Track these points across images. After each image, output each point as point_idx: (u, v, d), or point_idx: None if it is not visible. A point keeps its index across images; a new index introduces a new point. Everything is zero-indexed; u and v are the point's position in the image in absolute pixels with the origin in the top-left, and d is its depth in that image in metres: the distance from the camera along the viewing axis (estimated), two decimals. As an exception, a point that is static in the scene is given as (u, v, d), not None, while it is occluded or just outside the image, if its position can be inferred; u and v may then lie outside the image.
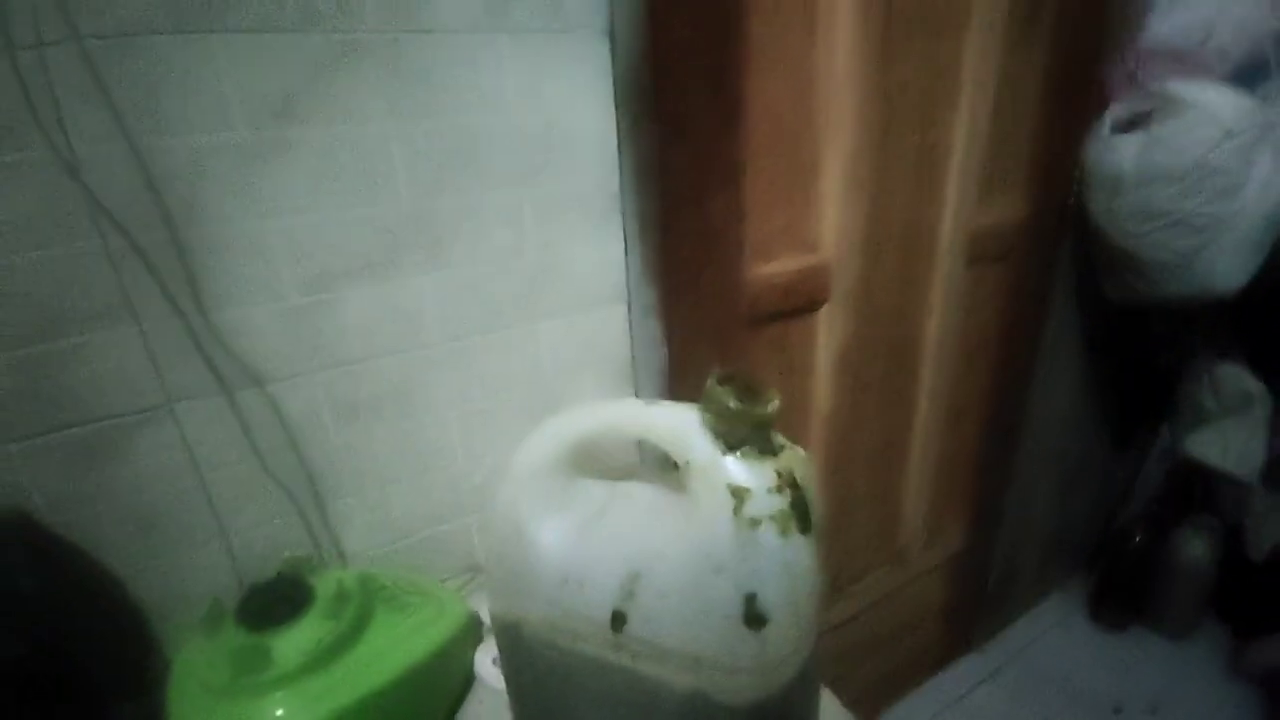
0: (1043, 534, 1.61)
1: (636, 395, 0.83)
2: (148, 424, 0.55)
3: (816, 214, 0.93)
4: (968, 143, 1.01)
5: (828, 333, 1.00)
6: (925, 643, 1.49)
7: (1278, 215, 1.02)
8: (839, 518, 1.16)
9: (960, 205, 1.04)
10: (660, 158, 0.73)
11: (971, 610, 1.54)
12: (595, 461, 0.45)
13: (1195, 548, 1.52)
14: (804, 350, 1.00)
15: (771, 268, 0.90)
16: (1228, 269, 1.02)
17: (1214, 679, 1.50)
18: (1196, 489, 1.53)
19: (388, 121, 0.58)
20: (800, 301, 0.95)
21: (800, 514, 0.35)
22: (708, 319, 0.85)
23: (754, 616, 0.34)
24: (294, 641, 0.51)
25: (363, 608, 0.54)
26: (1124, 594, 1.63)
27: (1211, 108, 0.96)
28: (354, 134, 0.57)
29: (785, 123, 0.85)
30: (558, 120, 0.67)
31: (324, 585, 0.54)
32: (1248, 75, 1.02)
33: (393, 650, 0.54)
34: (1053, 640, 1.64)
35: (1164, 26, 1.11)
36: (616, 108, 0.70)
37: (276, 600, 0.53)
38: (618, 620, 0.37)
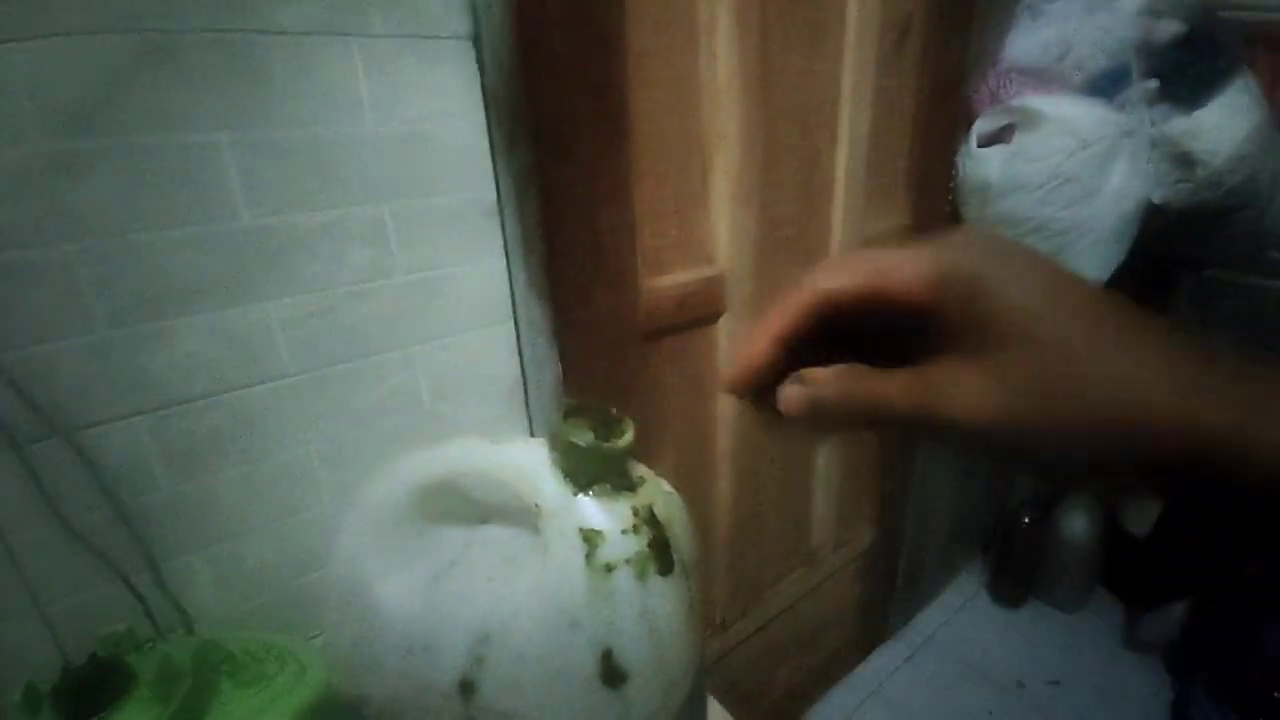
0: (945, 522, 1.68)
1: (529, 418, 0.79)
2: (-75, 488, 0.46)
3: (709, 225, 0.92)
4: (850, 156, 1.04)
5: (728, 343, 0.99)
6: (842, 639, 1.52)
7: (1134, 217, 1.11)
8: (750, 528, 1.16)
9: (849, 215, 1.07)
10: (541, 171, 0.70)
11: (883, 602, 1.59)
12: (460, 503, 0.41)
13: (1076, 524, 1.63)
14: (705, 362, 0.99)
15: (666, 280, 0.89)
16: (1087, 268, 1.10)
17: (1110, 650, 1.62)
18: (1074, 472, 1.65)
19: (217, 131, 0.52)
20: (698, 313, 0.95)
21: (660, 554, 0.32)
22: (602, 335, 0.82)
23: (612, 674, 0.31)
24: (113, 733, 0.44)
25: (199, 685, 0.47)
26: (1018, 572, 1.73)
27: (1067, 119, 1.03)
28: (175, 143, 0.50)
29: (672, 136, 0.84)
30: (423, 130, 0.62)
31: (145, 664, 0.47)
32: (1109, 84, 1.10)
33: (241, 728, 0.48)
34: (960, 622, 1.72)
35: (1024, 45, 1.18)
36: (488, 119, 0.66)
37: (91, 686, 0.46)
38: (466, 689, 0.33)
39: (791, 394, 0.23)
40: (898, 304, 0.22)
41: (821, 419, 0.23)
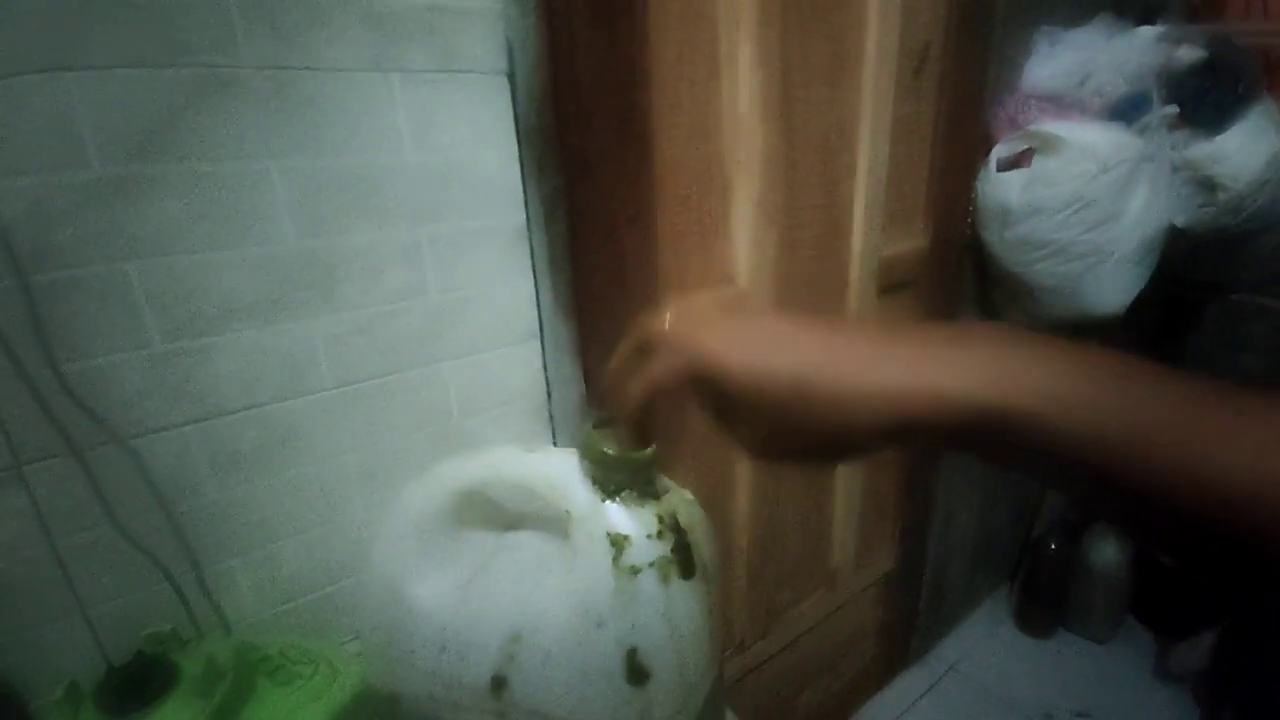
0: (968, 547, 1.66)
1: (554, 434, 0.81)
2: (-7, 490, 0.49)
3: (730, 248, 0.94)
4: (869, 181, 1.06)
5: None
6: (862, 664, 1.50)
7: (1156, 241, 1.11)
8: (770, 546, 1.16)
9: (867, 238, 1.09)
10: (568, 196, 0.73)
11: (905, 627, 1.57)
12: (490, 510, 0.43)
13: (1106, 552, 1.60)
14: (724, 381, 1.01)
15: (687, 300, 0.91)
16: (1109, 292, 1.10)
17: (1140, 681, 1.57)
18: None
19: (267, 159, 0.55)
20: (718, 333, 0.96)
21: (682, 559, 0.34)
22: (624, 353, 0.84)
23: (636, 672, 0.32)
24: (157, 728, 0.46)
25: (240, 683, 0.50)
26: (1046, 601, 1.69)
27: (1086, 144, 1.04)
28: (228, 171, 0.54)
29: (693, 161, 0.86)
30: (457, 159, 0.65)
31: (191, 662, 0.49)
32: (1129, 109, 1.11)
33: (276, 728, 0.49)
34: (984, 651, 1.68)
35: (1043, 71, 1.20)
36: (520, 147, 0.69)
37: (136, 683, 0.48)
38: (498, 686, 0.34)
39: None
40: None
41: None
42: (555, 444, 0.81)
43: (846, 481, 1.26)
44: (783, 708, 1.31)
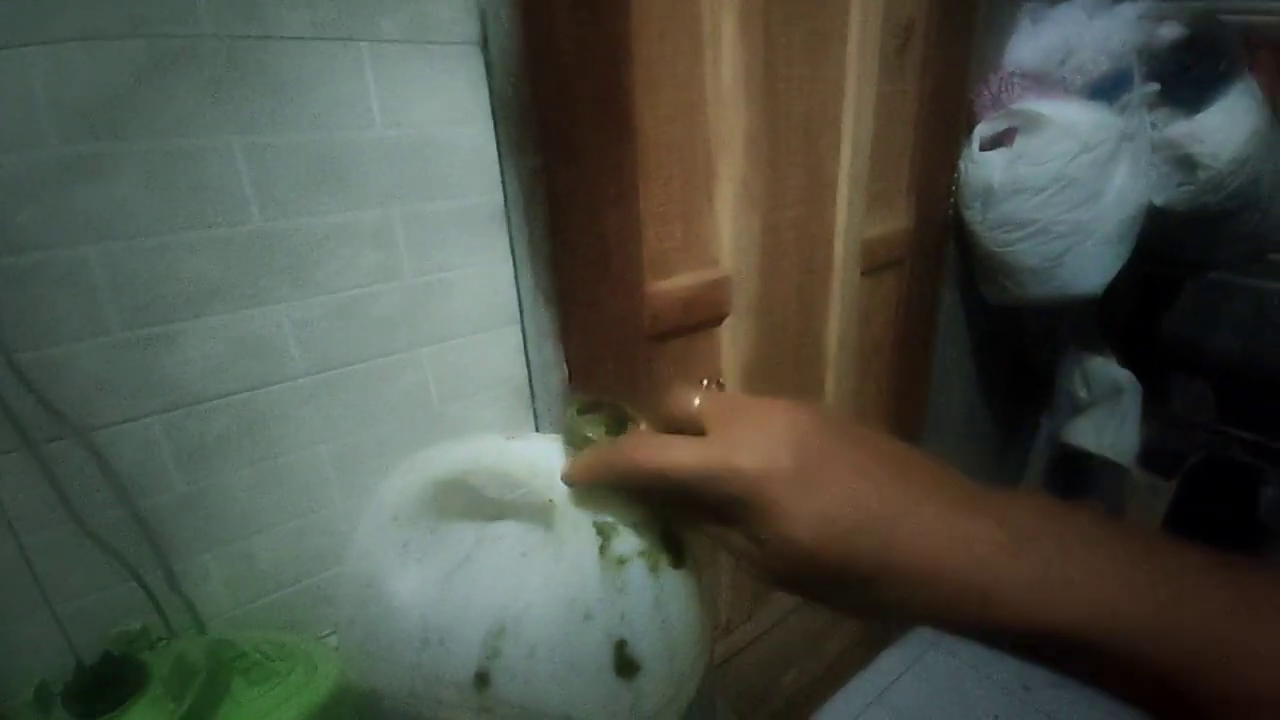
0: (949, 527, 1.68)
1: (535, 420, 0.79)
2: (-57, 488, 0.47)
3: (713, 229, 0.93)
4: (853, 161, 1.05)
5: (731, 346, 1.00)
6: (846, 643, 1.52)
7: (1136, 220, 1.11)
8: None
9: (851, 218, 1.08)
10: (548, 175, 0.71)
11: (888, 607, 1.58)
12: (473, 500, 0.41)
13: (1082, 530, 1.63)
14: (709, 364, 1.00)
15: (671, 283, 0.89)
16: (1090, 271, 1.11)
17: (1112, 653, 1.61)
18: (1075, 474, 1.65)
19: (230, 134, 0.53)
20: (702, 316, 0.95)
21: (671, 546, 0.33)
22: (608, 338, 0.83)
23: (625, 664, 0.31)
24: (127, 730, 0.44)
25: (212, 683, 0.48)
26: (1024, 578, 1.73)
27: (1069, 123, 1.03)
28: (188, 147, 0.51)
29: (677, 140, 0.84)
30: (432, 135, 0.63)
31: (161, 662, 0.47)
32: (1111, 87, 1.11)
33: (253, 726, 0.48)
34: (963, 628, 1.71)
35: (1025, 49, 1.19)
36: (496, 124, 0.67)
37: (106, 683, 0.46)
38: (482, 681, 0.33)
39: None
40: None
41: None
42: (538, 430, 0.79)
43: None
44: (767, 688, 1.32)
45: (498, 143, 0.67)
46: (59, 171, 0.48)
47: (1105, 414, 1.42)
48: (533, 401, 0.79)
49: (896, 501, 0.23)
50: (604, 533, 0.32)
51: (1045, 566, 0.21)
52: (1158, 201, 1.17)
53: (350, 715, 0.55)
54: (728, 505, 0.25)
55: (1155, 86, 1.15)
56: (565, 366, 0.79)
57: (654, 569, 0.32)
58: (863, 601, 0.24)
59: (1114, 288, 1.19)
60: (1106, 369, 1.41)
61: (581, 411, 0.33)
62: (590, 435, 0.32)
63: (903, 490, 0.23)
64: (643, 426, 0.34)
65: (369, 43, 0.58)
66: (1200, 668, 0.19)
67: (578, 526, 0.32)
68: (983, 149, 1.10)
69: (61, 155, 0.48)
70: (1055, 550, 0.21)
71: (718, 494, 0.25)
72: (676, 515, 0.31)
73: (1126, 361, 1.44)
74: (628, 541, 0.32)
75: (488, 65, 0.64)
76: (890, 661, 1.60)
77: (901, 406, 1.37)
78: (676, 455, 0.26)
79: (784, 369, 1.09)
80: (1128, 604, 0.20)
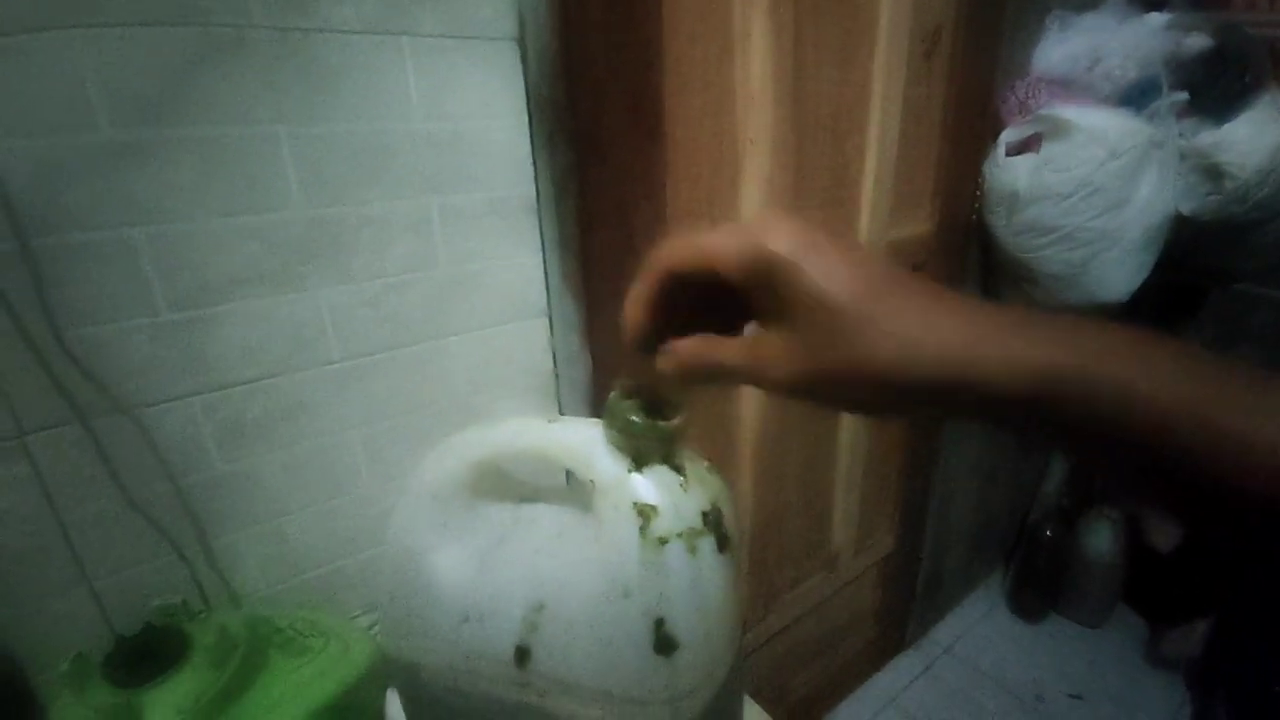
0: (965, 532, 1.67)
1: (560, 411, 0.80)
2: (-4, 459, 0.49)
3: (738, 227, 0.93)
4: (878, 164, 1.05)
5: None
6: (860, 645, 1.51)
7: (1163, 228, 1.11)
8: (771, 528, 1.16)
9: (874, 221, 1.08)
10: (578, 172, 0.72)
11: (902, 611, 1.58)
12: (501, 482, 0.42)
13: (1100, 539, 1.61)
14: (730, 362, 1.00)
15: (695, 280, 0.90)
16: (1115, 279, 1.10)
17: (1132, 666, 1.60)
18: (1095, 484, 1.63)
19: (276, 123, 0.54)
20: (725, 313, 0.96)
21: (714, 530, 0.33)
22: (632, 332, 0.84)
23: (664, 642, 0.32)
24: (168, 698, 0.46)
25: (252, 655, 0.49)
26: (1040, 586, 1.71)
27: (1096, 129, 1.03)
28: (236, 135, 0.53)
29: (704, 139, 0.85)
30: (468, 129, 0.64)
31: (203, 633, 0.48)
32: (1137, 95, 1.10)
33: (288, 700, 0.49)
34: (978, 634, 1.70)
35: (1052, 55, 1.19)
36: (530, 119, 0.68)
37: (147, 653, 0.48)
38: (521, 656, 0.34)
39: (661, 359, 0.30)
40: (719, 279, 0.26)
41: (685, 376, 0.29)
42: (562, 422, 0.80)
43: (848, 465, 1.27)
44: (781, 687, 1.32)
45: (531, 137, 0.68)
46: (109, 155, 0.49)
47: (1126, 423, 1.40)
48: (558, 393, 0.80)
49: (964, 334, 0.22)
50: (644, 514, 0.33)
51: (1072, 329, 0.21)
52: (1184, 210, 1.16)
53: (380, 693, 0.56)
54: (798, 302, 0.25)
55: (1183, 96, 1.14)
56: (589, 359, 0.80)
57: (693, 550, 0.33)
58: (903, 411, 0.24)
59: (1137, 296, 1.18)
60: (1128, 378, 1.39)
61: (624, 396, 0.34)
62: (633, 418, 0.33)
63: (966, 323, 0.23)
64: (681, 410, 0.35)
65: (410, 37, 0.59)
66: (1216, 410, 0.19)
67: (618, 507, 0.33)
68: (1008, 154, 1.10)
69: (111, 139, 0.49)
70: (1077, 323, 0.22)
71: (799, 286, 0.25)
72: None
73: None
74: (668, 522, 0.33)
75: (524, 61, 0.66)
76: (902, 667, 1.60)
77: (919, 411, 1.36)
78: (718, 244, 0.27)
79: (804, 370, 1.09)
80: (1167, 359, 0.20)
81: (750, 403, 1.04)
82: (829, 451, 1.23)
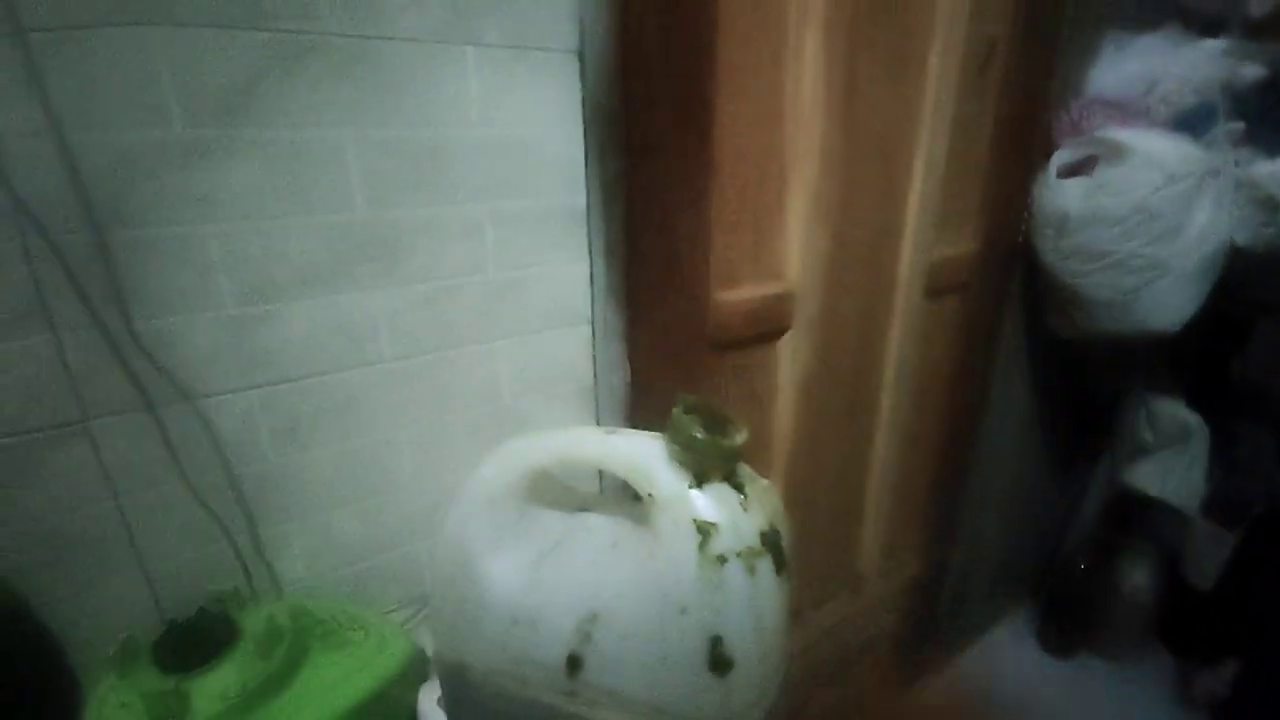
0: (993, 559, 1.63)
1: (598, 419, 0.81)
2: (61, 442, 0.50)
3: (781, 242, 0.93)
4: (925, 180, 1.04)
5: (790, 361, 0.99)
6: (880, 670, 1.49)
7: (1217, 258, 1.07)
8: (800, 545, 1.14)
9: (918, 240, 1.07)
10: (628, 179, 0.72)
11: (925, 637, 1.55)
12: (553, 490, 0.43)
13: (1137, 575, 1.56)
14: (766, 378, 1.00)
15: (736, 294, 0.90)
16: (1167, 309, 1.07)
17: (1161, 706, 1.54)
18: (1134, 517, 1.58)
19: (343, 128, 0.56)
20: (764, 328, 0.95)
21: (774, 551, 0.33)
22: (671, 343, 0.84)
23: (719, 661, 0.32)
24: (216, 685, 0.47)
25: (296, 646, 0.50)
26: (1070, 620, 1.66)
27: (1153, 154, 1.00)
28: (304, 138, 0.54)
29: (752, 151, 0.85)
30: (523, 136, 0.65)
31: (252, 622, 0.50)
32: (1194, 121, 1.08)
33: (328, 692, 0.50)
34: (1003, 666, 1.66)
35: (1108, 77, 1.17)
36: (584, 127, 0.69)
37: (197, 639, 0.49)
38: (573, 665, 0.34)
39: None
40: None
41: None
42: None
43: (878, 486, 1.25)
44: (798, 708, 1.30)
45: (585, 146, 0.69)
46: (181, 152, 0.51)
47: (1171, 458, 1.36)
48: (595, 400, 0.80)
49: None
50: (704, 530, 0.32)
51: None
52: (1239, 241, 1.13)
53: (414, 689, 0.57)
54: None
55: (1240, 125, 1.11)
56: (629, 368, 0.80)
57: (751, 570, 0.33)
58: None
59: (1188, 327, 1.15)
60: (1175, 411, 1.35)
61: (688, 410, 0.34)
62: (697, 434, 0.33)
63: None
64: (741, 429, 0.35)
65: (474, 47, 0.60)
66: None
67: (677, 522, 0.33)
68: (1060, 176, 1.08)
69: (184, 137, 0.51)
70: None
71: None
72: None
73: (1194, 404, 1.39)
74: (727, 541, 0.32)
75: (582, 72, 0.66)
76: (924, 696, 1.56)
77: (955, 432, 1.34)
78: None
79: (840, 388, 1.08)
80: None
81: (783, 420, 1.03)
82: (859, 469, 1.21)
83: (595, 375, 0.79)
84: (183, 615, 0.51)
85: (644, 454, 0.35)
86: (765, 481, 0.37)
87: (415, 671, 0.57)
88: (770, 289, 0.93)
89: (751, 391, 0.99)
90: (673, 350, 0.84)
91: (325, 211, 0.56)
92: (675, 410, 0.34)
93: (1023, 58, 1.06)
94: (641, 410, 0.80)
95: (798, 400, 1.02)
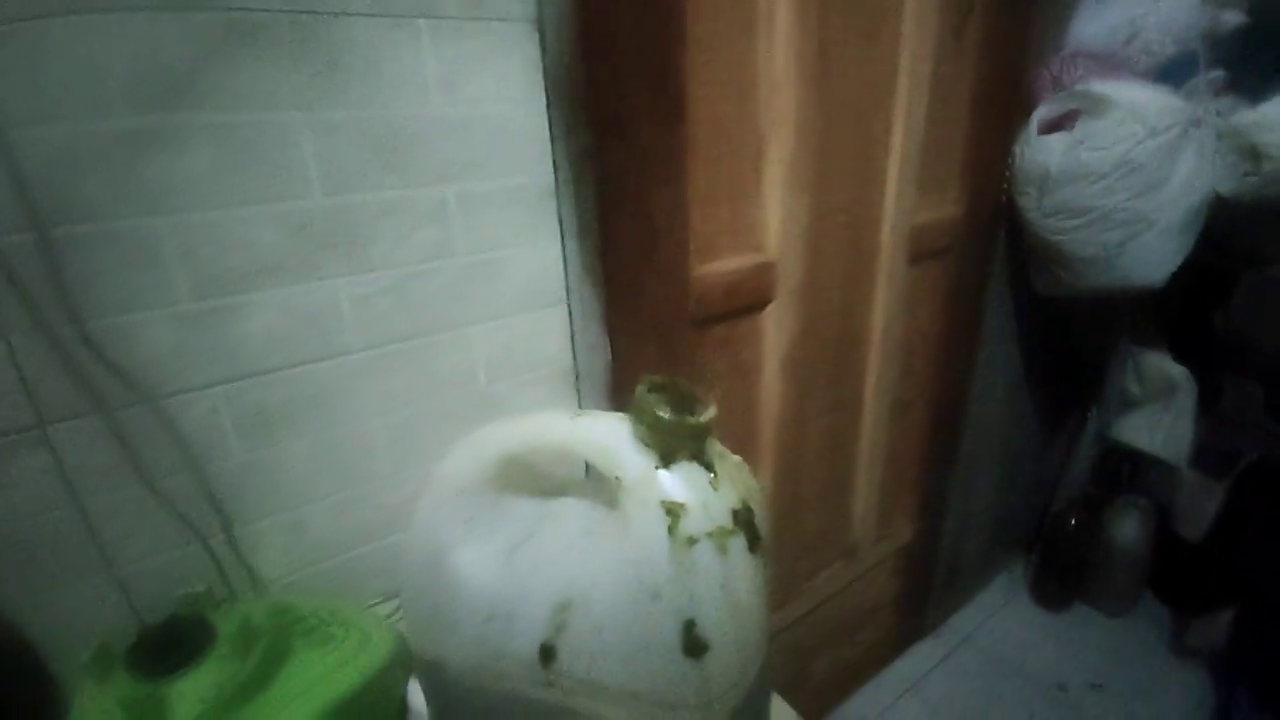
0: (986, 520, 1.65)
1: (580, 402, 0.80)
2: (18, 448, 0.49)
3: (760, 213, 0.91)
4: (904, 144, 1.02)
5: (775, 332, 0.98)
6: (879, 633, 1.51)
7: (1201, 210, 1.07)
8: (791, 517, 1.15)
9: (899, 204, 1.05)
10: (597, 155, 0.70)
11: (922, 598, 1.57)
12: (526, 477, 0.42)
13: (1127, 527, 1.58)
14: (751, 350, 0.99)
15: (716, 267, 0.88)
16: (1152, 263, 1.06)
17: (1156, 656, 1.57)
18: (1124, 471, 1.60)
19: (296, 110, 0.53)
20: (746, 301, 0.94)
21: (745, 528, 0.32)
22: (652, 321, 0.82)
23: (694, 645, 0.31)
24: (193, 688, 0.46)
25: (275, 644, 0.49)
26: (1063, 574, 1.69)
27: (1135, 106, 0.99)
28: (255, 122, 0.52)
29: (727, 121, 0.83)
30: (485, 114, 0.63)
31: (228, 622, 0.49)
32: (1175, 71, 1.06)
33: (311, 689, 0.49)
34: (999, 622, 1.68)
35: (1089, 29, 1.14)
36: (548, 103, 0.66)
37: (171, 643, 0.48)
38: (546, 655, 0.33)
39: None
40: None
41: None
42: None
43: (869, 452, 1.25)
44: (798, 674, 1.32)
45: (549, 121, 0.67)
46: (127, 142, 0.48)
47: (1158, 411, 1.37)
48: (576, 383, 0.79)
49: None
50: (673, 512, 0.31)
51: None
52: (1222, 191, 1.12)
53: (402, 682, 0.56)
54: None
55: (1221, 73, 1.10)
56: (609, 349, 0.79)
57: (723, 550, 0.32)
58: None
59: (1169, 280, 1.14)
60: (1161, 365, 1.36)
61: (652, 389, 0.33)
62: (661, 413, 0.32)
63: None
64: (709, 406, 0.33)
65: (427, 19, 0.57)
66: None
67: (645, 505, 0.32)
68: (1041, 132, 1.06)
69: (129, 126, 0.48)
70: None
71: None
72: None
73: (1180, 357, 1.39)
74: (697, 522, 0.31)
75: (542, 42, 0.64)
76: (922, 655, 1.59)
77: (944, 397, 1.34)
78: None
79: (826, 357, 1.07)
80: None
81: (770, 392, 1.02)
82: (849, 437, 1.21)
83: (575, 357, 0.77)
84: (156, 619, 0.50)
85: (609, 436, 0.34)
86: (736, 458, 0.36)
87: (402, 664, 0.56)
88: (750, 261, 0.92)
89: (737, 365, 0.98)
90: (654, 328, 0.83)
91: (281, 198, 0.54)
92: (639, 389, 0.33)
93: (1002, 14, 1.04)
94: (624, 390, 0.79)
95: (784, 372, 1.01)
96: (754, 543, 0.33)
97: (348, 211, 0.58)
